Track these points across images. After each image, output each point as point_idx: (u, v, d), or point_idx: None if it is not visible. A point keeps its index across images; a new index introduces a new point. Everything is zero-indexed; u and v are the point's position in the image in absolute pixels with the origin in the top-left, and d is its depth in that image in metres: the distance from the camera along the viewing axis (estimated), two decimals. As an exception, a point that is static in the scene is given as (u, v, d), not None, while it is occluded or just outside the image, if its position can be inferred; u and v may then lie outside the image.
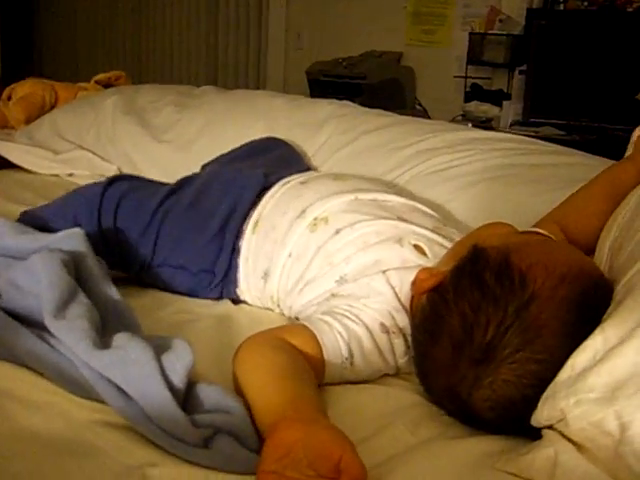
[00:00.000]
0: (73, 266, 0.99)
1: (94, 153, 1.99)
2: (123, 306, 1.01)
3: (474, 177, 1.47)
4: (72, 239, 1.05)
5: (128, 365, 0.81)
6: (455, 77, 3.96)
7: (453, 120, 3.61)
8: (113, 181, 1.33)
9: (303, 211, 1.21)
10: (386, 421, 0.89)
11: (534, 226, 1.16)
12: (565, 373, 0.77)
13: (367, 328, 1.00)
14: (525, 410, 0.81)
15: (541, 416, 0.78)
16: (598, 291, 0.86)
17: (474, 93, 3.84)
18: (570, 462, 0.74)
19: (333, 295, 1.07)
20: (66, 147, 2.02)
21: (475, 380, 0.82)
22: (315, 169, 1.68)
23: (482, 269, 0.88)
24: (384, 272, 1.06)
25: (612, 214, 1.11)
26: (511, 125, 3.54)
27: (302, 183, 1.30)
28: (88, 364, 0.83)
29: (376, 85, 3.80)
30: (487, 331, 0.82)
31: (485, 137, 1.67)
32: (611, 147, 2.36)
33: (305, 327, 0.98)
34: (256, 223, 1.26)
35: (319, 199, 1.22)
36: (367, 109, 1.89)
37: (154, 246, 1.26)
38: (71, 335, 0.85)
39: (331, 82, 3.86)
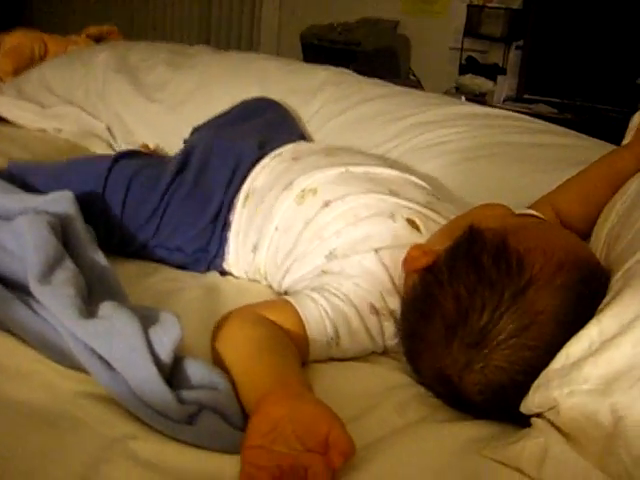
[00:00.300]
0: (60, 230, 0.96)
1: (83, 109, 1.94)
2: (110, 273, 0.99)
3: (467, 154, 1.45)
4: (61, 202, 1.02)
5: (114, 336, 0.79)
6: (451, 49, 3.92)
7: (447, 92, 3.58)
8: (116, 161, 1.27)
9: (290, 183, 1.19)
10: (373, 401, 0.88)
11: (529, 208, 1.15)
12: (559, 362, 0.76)
13: (356, 308, 0.99)
14: (515, 396, 0.80)
15: (532, 403, 0.78)
16: (595, 280, 0.85)
17: (469, 66, 3.81)
18: (560, 454, 0.73)
19: (324, 272, 1.05)
20: (55, 102, 1.97)
21: (467, 364, 0.81)
22: (309, 135, 1.66)
23: (479, 251, 0.86)
24: (377, 251, 1.04)
25: (610, 201, 1.10)
26: (504, 100, 3.52)
27: (294, 159, 1.27)
28: (73, 333, 0.81)
29: (370, 53, 3.77)
30: (482, 315, 0.81)
31: (480, 113, 1.64)
32: (603, 128, 2.36)
33: (288, 303, 0.97)
34: (247, 197, 1.24)
35: (308, 171, 1.20)
36: (363, 77, 1.85)
37: (156, 230, 1.23)
38: (56, 302, 0.84)
39: (325, 47, 3.83)
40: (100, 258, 0.99)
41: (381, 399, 0.89)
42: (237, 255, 1.22)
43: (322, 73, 1.84)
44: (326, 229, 1.10)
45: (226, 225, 1.23)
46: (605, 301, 0.81)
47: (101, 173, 1.24)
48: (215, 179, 1.26)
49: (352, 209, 1.11)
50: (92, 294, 0.91)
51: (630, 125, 1.34)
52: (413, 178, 1.24)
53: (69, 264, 0.90)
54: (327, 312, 0.96)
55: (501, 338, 0.79)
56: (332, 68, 1.90)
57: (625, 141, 1.31)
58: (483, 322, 0.80)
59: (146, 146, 1.77)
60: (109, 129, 1.89)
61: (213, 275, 1.24)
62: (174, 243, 1.23)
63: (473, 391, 0.82)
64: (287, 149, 1.32)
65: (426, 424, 0.84)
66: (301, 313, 0.95)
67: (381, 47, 3.87)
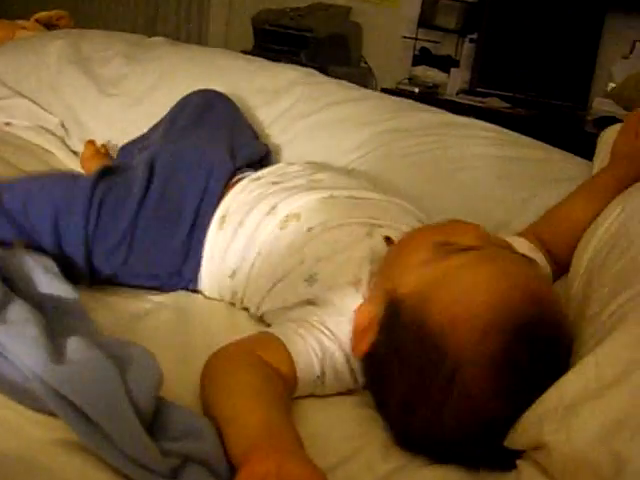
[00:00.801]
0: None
1: (34, 101, 1.85)
2: (70, 302, 0.93)
3: (446, 166, 1.43)
4: None
5: (89, 384, 0.73)
6: (404, 38, 3.89)
7: (400, 83, 3.58)
8: (97, 181, 1.15)
9: (273, 207, 1.14)
10: (358, 443, 0.86)
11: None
12: (551, 401, 0.75)
13: (341, 347, 0.95)
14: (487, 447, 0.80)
15: (518, 441, 0.76)
16: (537, 331, 0.81)
17: (422, 57, 3.79)
18: None
19: (308, 302, 1.02)
20: (3, 93, 1.87)
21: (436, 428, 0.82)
22: (261, 132, 1.61)
23: (402, 336, 0.85)
24: (357, 287, 1.00)
25: (591, 225, 1.09)
26: (457, 93, 3.50)
27: (274, 183, 1.22)
28: (42, 379, 0.74)
29: (322, 39, 3.73)
30: (427, 408, 0.81)
31: (452, 122, 1.60)
32: (555, 122, 2.34)
33: (278, 340, 0.92)
34: (223, 219, 1.17)
35: (291, 195, 1.15)
36: (332, 79, 1.80)
37: (126, 258, 1.13)
38: (20, 345, 0.77)
39: (276, 32, 3.77)
40: (54, 287, 0.93)
41: (365, 441, 0.86)
42: (211, 279, 1.17)
43: (291, 72, 1.79)
44: (307, 254, 1.07)
45: (199, 247, 1.17)
46: (591, 332, 0.82)
47: (84, 195, 1.13)
48: (184, 195, 1.18)
49: (333, 235, 1.09)
50: (53, 329, 0.84)
51: (599, 141, 1.33)
52: (397, 200, 1.20)
53: (19, 301, 0.85)
54: (316, 352, 0.93)
55: (451, 422, 0.80)
56: (300, 68, 1.84)
57: (596, 157, 1.30)
58: (429, 413, 0.81)
59: (92, 143, 1.68)
60: (62, 124, 1.80)
61: (181, 293, 1.18)
62: (148, 271, 1.16)
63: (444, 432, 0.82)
64: (266, 172, 1.27)
65: (410, 469, 0.82)
66: (292, 352, 0.91)
67: (333, 34, 3.83)
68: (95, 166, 1.43)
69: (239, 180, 1.23)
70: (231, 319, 1.10)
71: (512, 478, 0.76)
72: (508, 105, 3.31)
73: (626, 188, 1.10)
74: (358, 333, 0.92)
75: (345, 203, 1.16)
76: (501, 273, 0.86)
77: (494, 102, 3.32)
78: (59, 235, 1.10)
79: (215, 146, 1.30)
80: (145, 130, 1.62)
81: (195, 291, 1.19)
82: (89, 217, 1.10)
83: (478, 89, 3.50)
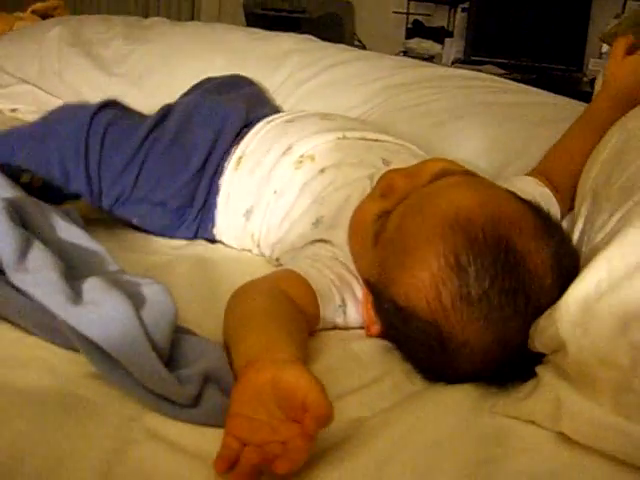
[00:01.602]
0: (15, 212, 0.91)
1: (39, 87, 1.88)
2: (84, 247, 0.95)
3: (446, 115, 1.45)
4: (6, 188, 0.98)
5: (108, 324, 0.76)
6: (394, 13, 3.91)
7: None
8: (99, 109, 1.24)
9: (289, 147, 1.18)
10: (385, 369, 0.88)
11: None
12: (566, 302, 0.75)
13: (356, 277, 0.98)
14: (510, 365, 0.82)
15: (538, 342, 0.78)
16: (479, 247, 0.80)
17: (415, 30, 3.82)
18: (574, 405, 0.73)
19: (317, 240, 1.05)
20: (8, 81, 1.91)
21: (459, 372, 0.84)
22: (281, 109, 1.63)
23: (390, 317, 0.88)
24: None
25: (592, 154, 1.11)
26: (453, 63, 3.53)
27: (288, 122, 1.26)
28: (64, 320, 0.77)
29: (315, 19, 3.76)
30: (442, 363, 0.84)
31: (453, 75, 1.65)
32: (551, 86, 2.38)
33: (299, 275, 0.95)
34: (239, 160, 1.22)
35: (306, 136, 1.19)
36: (329, 43, 1.84)
37: (136, 180, 1.20)
38: (41, 290, 0.80)
39: (268, 15, 3.79)
40: (73, 232, 0.96)
41: (389, 367, 0.88)
42: (227, 220, 1.21)
43: (288, 40, 1.82)
44: (319, 194, 1.10)
45: (213, 189, 1.21)
46: (600, 238, 0.83)
47: (82, 125, 1.21)
48: (197, 135, 1.24)
49: (343, 176, 1.12)
50: (72, 272, 0.87)
51: (596, 83, 1.36)
52: (408, 145, 1.23)
53: (39, 246, 0.86)
54: (333, 282, 0.96)
55: (465, 371, 0.83)
56: (296, 35, 1.88)
57: (596, 87, 1.33)
58: (445, 370, 0.84)
59: None
60: (67, 106, 1.83)
61: (200, 244, 1.22)
62: (156, 196, 1.20)
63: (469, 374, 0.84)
64: (280, 115, 1.31)
65: (436, 388, 0.84)
66: (314, 286, 0.93)
67: (325, 14, 3.86)
68: None
69: (254, 124, 1.27)
70: (252, 266, 1.12)
71: (531, 385, 0.78)
72: (503, 71, 3.34)
73: (621, 110, 1.12)
74: (368, 317, 0.95)
75: (358, 144, 1.19)
76: (420, 219, 0.86)
77: (490, 70, 3.33)
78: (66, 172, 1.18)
79: (231, 102, 1.34)
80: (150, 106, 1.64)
81: (214, 242, 1.23)
82: (88, 151, 1.18)
83: (473, 58, 3.53)
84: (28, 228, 0.91)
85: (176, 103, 1.33)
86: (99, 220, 1.21)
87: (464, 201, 0.85)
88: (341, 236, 1.02)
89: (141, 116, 1.30)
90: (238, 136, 1.25)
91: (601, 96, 1.20)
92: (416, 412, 0.78)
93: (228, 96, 1.45)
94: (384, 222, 0.92)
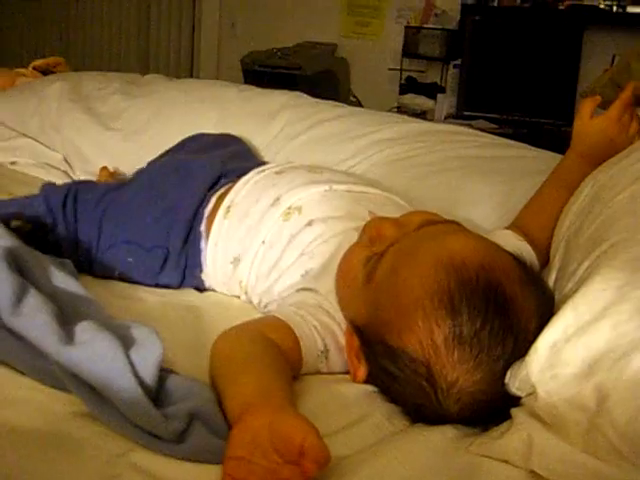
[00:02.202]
0: (12, 261, 0.95)
1: (37, 141, 1.94)
2: (76, 294, 0.99)
3: (432, 168, 1.50)
4: (4, 236, 1.02)
5: (96, 362, 0.79)
6: (389, 69, 4.00)
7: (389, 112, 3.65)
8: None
9: (277, 199, 1.22)
10: (366, 411, 0.90)
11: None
12: (536, 348, 0.79)
13: (339, 325, 1.01)
14: (492, 407, 0.84)
15: (512, 385, 0.81)
16: (469, 292, 0.84)
17: (409, 86, 3.90)
18: (545, 442, 0.76)
19: (301, 289, 1.08)
20: (7, 134, 1.96)
21: (444, 413, 0.86)
22: (260, 158, 1.69)
23: (379, 358, 0.90)
24: None
25: (565, 207, 1.15)
26: (445, 118, 3.60)
27: (277, 173, 1.30)
28: (56, 360, 0.81)
29: (311, 76, 3.82)
30: (430, 403, 0.85)
31: (439, 129, 1.71)
32: (542, 140, 2.43)
33: (282, 321, 0.98)
34: (228, 209, 1.26)
35: (293, 188, 1.23)
36: (320, 100, 1.90)
37: (99, 228, 1.26)
38: (34, 332, 0.83)
39: (266, 72, 3.86)
40: (61, 281, 0.99)
41: (371, 409, 0.91)
42: (215, 266, 1.24)
43: (281, 97, 1.87)
44: (307, 247, 1.14)
45: (198, 234, 1.25)
46: (570, 287, 0.87)
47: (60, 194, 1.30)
48: (165, 183, 1.32)
49: (330, 229, 1.15)
50: (65, 316, 0.90)
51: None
52: (394, 197, 1.27)
53: (34, 292, 0.90)
54: (316, 328, 0.99)
55: (454, 406, 0.84)
56: (289, 92, 1.93)
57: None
58: (434, 405, 0.85)
59: (106, 169, 1.77)
60: (66, 159, 1.89)
61: (189, 292, 1.26)
62: (127, 236, 1.25)
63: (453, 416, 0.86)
64: (269, 166, 1.35)
65: (415, 428, 0.87)
66: (296, 332, 0.96)
67: (321, 70, 3.93)
68: None
69: (245, 174, 1.32)
70: (241, 313, 1.15)
71: (506, 425, 0.81)
72: (495, 126, 3.41)
73: (590, 166, 1.17)
74: (352, 360, 0.97)
75: (344, 196, 1.22)
76: (413, 262, 0.90)
77: (482, 124, 3.40)
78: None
79: (207, 156, 1.41)
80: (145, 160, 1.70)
81: (201, 290, 1.27)
82: (66, 204, 1.28)
83: (465, 113, 3.60)
84: (24, 275, 0.94)
85: (144, 168, 1.42)
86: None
87: (457, 246, 0.89)
88: (327, 284, 1.05)
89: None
90: (217, 184, 1.31)
91: (570, 155, 1.25)
92: (393, 451, 0.80)
93: (209, 153, 1.51)
94: (375, 264, 0.95)
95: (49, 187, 1.33)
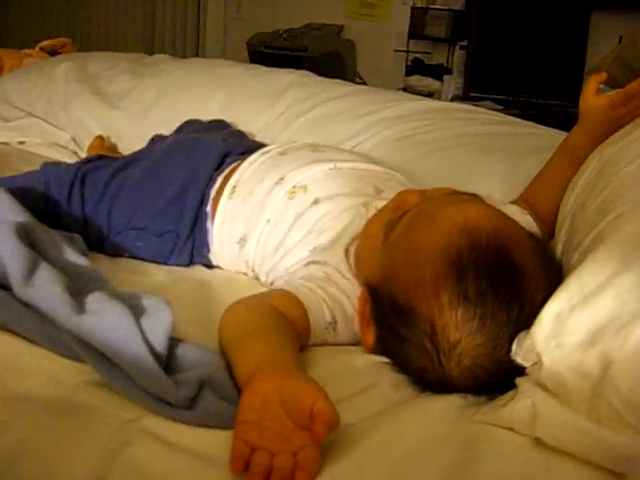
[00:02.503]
0: (25, 235, 0.97)
1: (45, 121, 1.95)
2: (86, 269, 1.00)
3: (437, 145, 1.51)
4: (19, 213, 1.04)
5: (108, 330, 0.81)
6: (395, 51, 3.99)
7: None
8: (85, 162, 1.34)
9: (282, 178, 1.22)
10: (370, 380, 0.91)
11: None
12: (541, 317, 0.80)
13: (347, 296, 1.02)
14: (495, 376, 0.85)
15: (517, 355, 0.82)
16: (477, 253, 0.85)
17: (415, 67, 3.89)
18: (549, 410, 0.77)
19: (310, 262, 1.09)
20: (16, 114, 1.97)
21: (447, 379, 0.87)
22: (266, 135, 1.70)
23: (387, 317, 0.92)
24: (347, 259, 1.08)
25: (571, 181, 1.16)
26: (452, 99, 3.59)
27: (281, 154, 1.31)
28: (68, 329, 0.82)
29: (317, 58, 3.81)
30: (433, 367, 0.86)
31: (444, 107, 1.71)
32: (548, 121, 2.43)
33: (290, 292, 0.99)
34: (233, 189, 1.27)
35: (298, 167, 1.24)
36: (326, 79, 1.90)
37: (109, 215, 1.27)
38: (46, 302, 0.85)
39: (272, 54, 3.85)
40: (71, 257, 1.01)
41: (377, 378, 0.92)
42: (221, 246, 1.26)
43: (287, 76, 1.88)
44: (315, 225, 1.15)
45: (204, 215, 1.26)
46: (576, 258, 0.88)
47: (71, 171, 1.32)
48: (172, 167, 1.32)
49: (338, 206, 1.16)
50: (75, 290, 0.91)
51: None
52: (397, 175, 1.28)
53: (45, 265, 0.92)
54: (325, 300, 1.00)
55: (455, 368, 0.85)
56: (295, 71, 1.94)
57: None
58: (435, 369, 0.86)
59: (100, 138, 1.82)
60: (74, 139, 1.90)
61: (198, 269, 1.27)
62: (138, 224, 1.27)
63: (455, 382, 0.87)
64: (274, 146, 1.36)
65: (420, 398, 0.88)
66: (304, 303, 0.98)
67: (327, 52, 3.92)
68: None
69: (246, 157, 1.33)
70: (249, 287, 1.16)
71: (511, 394, 0.82)
72: (501, 107, 3.40)
73: (595, 142, 1.18)
74: (363, 326, 0.99)
75: (348, 174, 1.23)
76: (429, 222, 0.92)
77: (488, 106, 3.39)
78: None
79: (208, 136, 1.43)
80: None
81: (210, 267, 1.28)
82: (73, 186, 1.29)
83: (472, 94, 3.59)
84: (36, 250, 0.96)
85: (148, 147, 1.44)
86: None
87: (473, 212, 0.91)
88: (337, 255, 1.07)
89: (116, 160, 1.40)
90: (223, 164, 1.32)
91: (576, 130, 1.26)
92: (399, 419, 0.82)
93: (207, 134, 1.52)
94: (394, 225, 0.97)
95: (50, 168, 1.35)
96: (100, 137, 1.81)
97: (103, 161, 1.38)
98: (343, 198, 1.17)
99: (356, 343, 1.03)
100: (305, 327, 0.97)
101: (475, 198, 1.00)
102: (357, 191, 1.19)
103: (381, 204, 1.12)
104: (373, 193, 1.20)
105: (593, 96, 1.22)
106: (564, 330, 0.77)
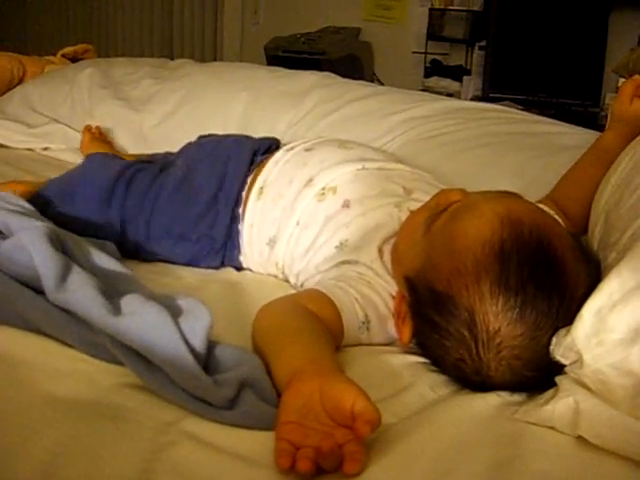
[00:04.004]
0: (57, 239, 0.97)
1: (69, 126, 1.96)
2: (119, 272, 1.00)
3: (466, 144, 1.50)
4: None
5: (146, 331, 0.80)
6: (413, 53, 3.98)
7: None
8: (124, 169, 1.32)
9: (310, 180, 1.22)
10: (410, 380, 0.91)
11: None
12: (581, 315, 0.79)
13: (380, 296, 1.02)
14: (533, 370, 0.84)
15: (557, 353, 0.81)
16: (520, 247, 0.85)
17: (434, 69, 3.88)
18: (592, 409, 0.76)
19: (341, 262, 1.09)
20: (40, 120, 1.99)
21: (484, 372, 0.86)
22: (291, 135, 1.69)
23: (425, 308, 0.91)
24: (380, 248, 1.08)
25: (603, 179, 1.15)
26: (471, 100, 3.57)
27: (307, 150, 1.30)
28: (105, 331, 0.82)
29: (335, 61, 3.81)
30: (471, 358, 0.86)
31: (471, 107, 1.71)
32: (568, 121, 2.42)
33: (322, 293, 0.99)
34: (261, 190, 1.26)
35: (326, 168, 1.23)
36: (350, 80, 1.90)
37: (148, 223, 1.26)
38: (80, 305, 0.85)
39: (290, 58, 3.85)
40: (104, 262, 1.01)
41: (414, 379, 0.92)
42: (251, 247, 1.25)
43: (311, 77, 1.88)
44: (342, 226, 1.14)
45: (235, 217, 1.26)
46: (614, 256, 0.87)
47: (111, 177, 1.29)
48: (205, 171, 1.31)
49: (368, 206, 1.16)
50: (109, 293, 0.91)
51: (609, 111, 1.40)
52: (425, 174, 1.28)
53: (78, 269, 0.91)
54: (357, 300, 1.00)
55: (493, 363, 0.85)
56: (318, 72, 1.95)
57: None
58: (473, 362, 0.86)
59: (89, 127, 1.84)
60: (98, 144, 1.90)
61: (229, 271, 1.27)
62: (176, 230, 1.26)
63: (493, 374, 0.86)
64: (298, 143, 1.35)
65: (458, 397, 0.87)
66: (337, 303, 0.97)
67: (345, 55, 3.92)
68: (94, 150, 1.62)
69: (273, 153, 1.32)
70: (279, 289, 1.17)
71: (551, 392, 0.81)
72: (521, 107, 3.38)
73: (630, 142, 1.16)
74: (398, 324, 0.98)
75: (377, 175, 1.23)
76: (472, 213, 0.92)
77: (508, 106, 3.37)
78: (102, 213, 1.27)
79: (235, 136, 1.43)
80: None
81: (239, 270, 1.28)
82: (114, 195, 1.27)
83: (491, 95, 3.57)
84: (67, 254, 0.96)
85: (181, 149, 1.43)
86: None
87: (516, 205, 0.92)
88: (369, 254, 1.07)
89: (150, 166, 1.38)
90: (252, 164, 1.31)
91: (609, 134, 1.25)
92: (438, 418, 0.81)
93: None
94: (435, 219, 0.97)
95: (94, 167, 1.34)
96: (88, 130, 1.82)
97: (141, 164, 1.37)
98: (372, 200, 1.17)
99: (391, 343, 1.02)
100: (338, 327, 0.96)
101: (515, 195, 1.00)
102: (386, 192, 1.19)
103: (414, 205, 1.12)
104: (402, 194, 1.19)
105: (628, 102, 1.21)
106: (605, 327, 0.76)
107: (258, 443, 0.73)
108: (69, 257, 0.95)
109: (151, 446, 0.71)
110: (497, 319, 0.83)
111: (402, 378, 0.92)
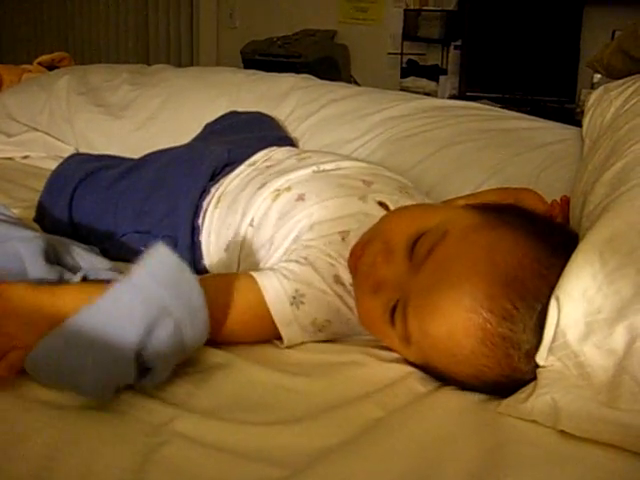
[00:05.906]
0: (52, 250, 0.97)
1: (49, 134, 1.95)
2: (111, 274, 1.00)
3: (445, 141, 1.51)
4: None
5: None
6: (389, 54, 4.01)
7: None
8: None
9: (264, 184, 1.20)
10: (400, 375, 0.92)
11: None
12: (569, 294, 0.79)
13: (316, 270, 1.00)
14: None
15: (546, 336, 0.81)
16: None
17: (410, 69, 3.90)
18: (571, 405, 0.76)
19: (292, 249, 1.07)
20: (19, 129, 1.98)
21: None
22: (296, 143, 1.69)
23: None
24: (343, 236, 1.05)
25: (581, 167, 1.16)
26: (448, 99, 3.60)
27: (268, 166, 1.29)
28: None
29: (311, 63, 3.82)
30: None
31: (448, 105, 1.73)
32: (545, 118, 2.44)
33: (248, 274, 0.99)
34: (219, 199, 1.26)
35: (281, 174, 1.21)
36: (328, 81, 1.92)
37: (114, 213, 1.28)
38: None
39: (266, 61, 3.86)
40: (97, 261, 1.02)
41: (406, 374, 0.93)
42: (210, 256, 1.24)
43: (289, 79, 1.89)
44: (299, 219, 1.11)
45: (195, 230, 1.25)
46: (586, 226, 0.88)
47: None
48: (172, 177, 1.31)
49: (325, 200, 1.13)
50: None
51: (586, 104, 1.42)
52: (385, 171, 1.26)
53: (71, 276, 0.93)
54: (284, 274, 0.98)
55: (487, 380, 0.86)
56: (296, 75, 1.95)
57: (583, 121, 1.40)
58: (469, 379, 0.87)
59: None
60: (77, 150, 1.90)
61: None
62: (141, 225, 1.27)
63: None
64: (260, 156, 1.34)
65: (445, 391, 0.89)
66: (258, 280, 0.97)
67: (321, 57, 3.94)
68: None
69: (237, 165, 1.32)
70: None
71: (531, 387, 0.81)
72: (499, 105, 3.40)
73: None
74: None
75: (333, 174, 1.21)
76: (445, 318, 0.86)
77: (485, 104, 3.40)
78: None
79: (220, 145, 1.40)
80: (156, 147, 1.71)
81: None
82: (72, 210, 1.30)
83: (468, 93, 3.60)
84: (62, 264, 0.97)
85: (162, 151, 1.42)
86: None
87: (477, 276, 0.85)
88: (326, 237, 1.05)
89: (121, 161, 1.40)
90: (219, 175, 1.30)
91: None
92: (426, 411, 0.82)
93: (229, 137, 1.52)
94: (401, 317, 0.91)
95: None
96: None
97: (112, 160, 1.38)
98: (330, 192, 1.14)
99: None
100: (262, 306, 0.96)
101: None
102: (345, 186, 1.16)
103: (379, 197, 1.12)
104: (362, 185, 1.17)
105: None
106: (592, 309, 0.76)
107: (250, 440, 0.74)
108: (61, 265, 0.96)
109: (143, 447, 0.71)
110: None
111: (391, 373, 0.92)
